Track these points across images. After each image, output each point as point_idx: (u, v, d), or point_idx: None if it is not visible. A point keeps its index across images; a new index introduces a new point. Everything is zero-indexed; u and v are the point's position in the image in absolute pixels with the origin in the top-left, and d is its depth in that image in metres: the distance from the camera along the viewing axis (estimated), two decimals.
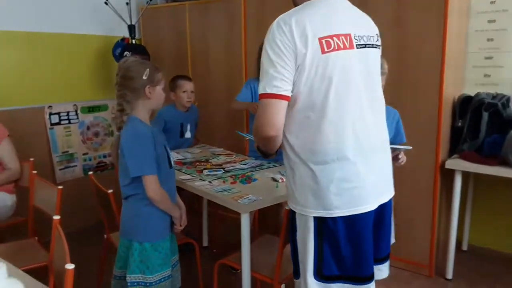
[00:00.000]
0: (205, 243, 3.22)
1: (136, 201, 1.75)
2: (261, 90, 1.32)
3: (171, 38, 3.81)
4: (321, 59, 1.30)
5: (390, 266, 1.66)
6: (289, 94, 1.32)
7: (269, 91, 1.30)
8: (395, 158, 1.91)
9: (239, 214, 1.85)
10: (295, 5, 1.42)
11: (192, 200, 3.23)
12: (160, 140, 1.77)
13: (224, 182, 2.17)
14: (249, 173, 2.30)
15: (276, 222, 2.83)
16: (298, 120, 1.36)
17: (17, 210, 2.62)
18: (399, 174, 2.58)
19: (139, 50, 3.54)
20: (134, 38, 3.61)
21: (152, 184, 1.68)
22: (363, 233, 1.39)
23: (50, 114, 3.32)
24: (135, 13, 3.80)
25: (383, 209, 1.46)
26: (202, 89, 3.63)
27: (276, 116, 1.31)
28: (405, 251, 2.73)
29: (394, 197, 1.56)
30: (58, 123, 3.37)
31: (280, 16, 1.34)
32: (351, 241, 1.38)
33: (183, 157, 2.71)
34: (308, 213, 1.39)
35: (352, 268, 1.40)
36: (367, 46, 1.41)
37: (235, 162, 2.57)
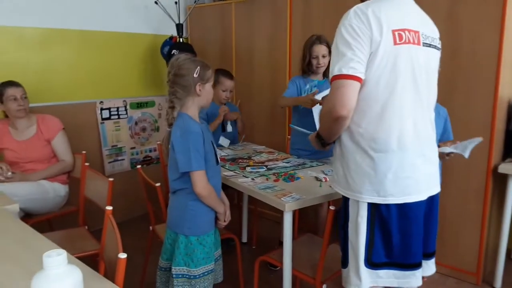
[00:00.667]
0: (244, 239, 3.26)
1: (183, 196, 1.79)
2: (336, 72, 1.37)
3: (217, 36, 3.87)
4: (392, 50, 1.38)
5: (436, 272, 1.66)
6: (363, 76, 1.38)
7: (345, 72, 1.36)
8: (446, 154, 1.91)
9: (278, 212, 1.85)
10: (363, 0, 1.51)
11: (233, 197, 3.28)
12: (208, 136, 1.80)
13: (267, 179, 2.18)
14: (292, 172, 2.30)
15: (315, 221, 2.82)
16: (361, 108, 1.41)
17: (69, 200, 2.76)
18: (449, 177, 2.50)
19: (186, 48, 3.62)
20: (181, 37, 3.69)
21: (199, 180, 1.72)
22: (414, 222, 1.45)
23: (101, 109, 3.47)
24: (183, 12, 3.89)
25: (432, 202, 1.53)
26: (245, 87, 3.66)
27: (350, 97, 1.37)
28: (451, 257, 2.63)
29: (443, 200, 1.59)
30: (108, 118, 3.52)
31: (356, 6, 1.42)
32: (401, 230, 1.44)
33: (226, 154, 2.75)
34: (362, 199, 1.45)
35: (400, 256, 1.47)
36: (431, 46, 1.49)
37: (277, 160, 2.58)
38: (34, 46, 3.07)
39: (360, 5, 1.42)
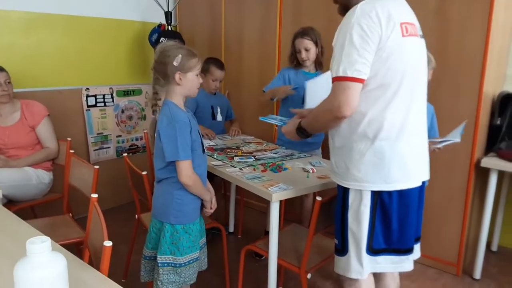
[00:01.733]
0: (231, 229, 3.27)
1: (169, 185, 1.78)
2: (340, 73, 1.40)
3: (206, 25, 3.84)
4: (400, 42, 1.43)
5: (417, 262, 1.70)
6: (366, 77, 1.41)
7: (350, 74, 1.39)
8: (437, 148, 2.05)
9: (265, 202, 1.86)
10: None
11: (220, 186, 3.28)
12: (194, 125, 1.79)
13: (254, 169, 2.18)
14: (279, 162, 2.31)
15: (300, 212, 2.84)
16: (367, 97, 1.45)
17: (53, 187, 2.73)
18: (434, 170, 2.54)
19: (175, 36, 3.58)
20: (170, 25, 3.65)
21: (185, 170, 1.71)
22: (411, 208, 1.53)
23: (87, 96, 3.42)
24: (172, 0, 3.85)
25: (422, 189, 1.59)
26: (234, 77, 3.65)
27: (355, 98, 1.41)
28: (433, 248, 2.69)
29: (427, 192, 1.69)
30: (94, 105, 3.47)
31: (360, 4, 1.42)
32: (400, 216, 1.51)
33: (214, 144, 2.74)
34: (366, 187, 1.49)
35: (397, 241, 1.54)
36: (422, 37, 1.57)
37: (265, 151, 2.58)
38: (20, 30, 3.00)
39: (365, 3, 1.43)
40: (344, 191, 1.56)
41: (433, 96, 2.23)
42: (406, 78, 1.46)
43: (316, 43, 2.58)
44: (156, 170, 1.81)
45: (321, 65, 2.67)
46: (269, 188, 1.86)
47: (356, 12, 1.41)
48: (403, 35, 1.43)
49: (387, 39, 1.40)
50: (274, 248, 1.90)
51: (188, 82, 1.75)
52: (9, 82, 2.57)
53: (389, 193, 1.48)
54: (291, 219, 2.91)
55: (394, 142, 1.46)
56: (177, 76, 1.72)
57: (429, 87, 1.67)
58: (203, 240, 1.96)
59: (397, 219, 1.51)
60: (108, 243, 1.18)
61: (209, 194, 1.87)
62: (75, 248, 2.14)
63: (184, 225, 1.79)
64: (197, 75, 1.78)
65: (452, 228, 2.62)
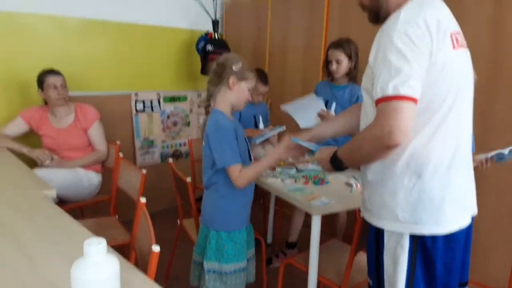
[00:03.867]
0: (269, 240, 3.26)
1: (214, 191, 1.81)
2: (390, 91, 1.15)
3: (251, 34, 3.88)
4: (451, 56, 1.21)
5: None
6: (419, 97, 1.17)
7: (403, 92, 1.14)
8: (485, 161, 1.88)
9: (305, 214, 1.84)
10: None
11: (260, 196, 3.29)
12: (241, 133, 1.82)
13: (296, 181, 2.18)
14: (322, 175, 2.29)
15: (334, 225, 2.80)
16: (429, 129, 1.22)
17: (101, 189, 2.84)
18: (481, 191, 2.43)
19: (221, 44, 3.65)
20: (217, 33, 3.73)
21: (234, 173, 1.71)
22: (457, 250, 1.30)
23: (136, 101, 3.54)
24: (220, 8, 3.92)
25: (470, 227, 1.36)
26: (277, 87, 3.66)
27: (410, 122, 1.15)
28: (481, 273, 2.56)
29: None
30: (142, 110, 3.59)
31: (404, 9, 1.21)
32: (446, 260, 1.27)
33: (256, 154, 2.76)
34: (410, 230, 1.26)
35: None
36: (467, 47, 1.34)
37: (308, 162, 2.57)
38: (75, 36, 3.16)
39: (410, 9, 1.21)
40: (377, 232, 1.34)
41: (486, 110, 2.13)
42: (457, 99, 1.24)
43: (349, 56, 2.51)
44: (204, 176, 1.85)
45: (354, 78, 2.59)
46: (311, 202, 1.85)
47: (400, 18, 1.19)
48: (453, 47, 1.22)
49: (438, 52, 1.18)
50: (314, 264, 1.88)
51: (240, 91, 1.78)
52: (65, 86, 2.70)
53: (434, 239, 1.24)
54: (323, 230, 2.85)
55: (445, 175, 1.24)
56: (231, 79, 1.75)
57: (479, 101, 1.51)
58: (252, 251, 1.96)
59: (442, 264, 1.26)
60: (156, 248, 1.22)
61: (275, 158, 1.76)
62: (120, 251, 2.21)
63: (229, 233, 1.81)
64: (249, 90, 1.80)
65: (502, 251, 2.49)
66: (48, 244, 1.34)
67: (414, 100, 1.15)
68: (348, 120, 1.69)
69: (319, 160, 1.48)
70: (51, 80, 2.64)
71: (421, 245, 1.26)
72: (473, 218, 1.35)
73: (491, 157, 1.89)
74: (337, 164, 1.38)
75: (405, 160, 1.24)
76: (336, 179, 2.24)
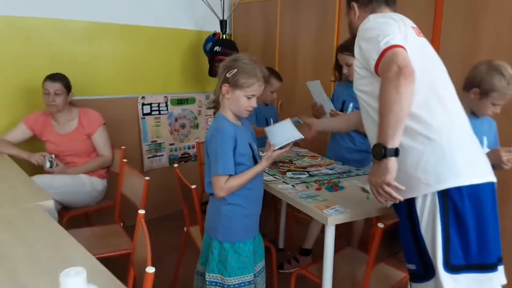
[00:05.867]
0: (281, 245, 3.14)
1: (217, 199, 1.70)
2: (384, 46, 1.35)
3: (261, 34, 3.76)
4: (419, 40, 1.48)
5: None
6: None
7: (394, 43, 1.34)
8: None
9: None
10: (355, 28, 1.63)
11: (271, 199, 3.16)
12: (244, 138, 1.70)
13: (308, 187, 2.05)
14: (335, 180, 2.15)
15: (349, 231, 2.66)
16: (423, 94, 1.39)
17: (107, 195, 2.75)
18: (506, 193, 2.29)
19: (229, 45, 3.54)
20: (225, 33, 3.61)
21: (218, 183, 1.62)
22: (486, 211, 1.37)
23: (143, 104, 3.45)
24: (228, 8, 3.81)
25: (494, 192, 1.44)
26: (288, 88, 3.53)
27: (408, 59, 1.31)
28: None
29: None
30: (149, 114, 3.50)
31: (370, 16, 1.52)
32: (476, 220, 1.35)
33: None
34: (435, 188, 1.37)
35: (478, 254, 1.36)
36: None
37: (320, 166, 2.44)
38: (80, 40, 3.08)
39: (375, 15, 1.53)
40: (409, 206, 1.42)
41: (508, 110, 1.99)
42: (436, 73, 1.46)
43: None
44: (206, 184, 1.74)
45: None
46: (324, 211, 1.72)
47: (369, 18, 1.49)
48: (418, 35, 1.49)
49: (407, 36, 1.40)
50: (329, 276, 1.74)
51: (234, 99, 1.66)
52: (59, 94, 2.55)
53: (460, 191, 1.35)
54: (337, 234, 2.72)
55: (450, 134, 1.40)
56: (224, 88, 1.65)
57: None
58: (261, 264, 1.84)
59: (474, 225, 1.35)
60: (150, 270, 1.10)
61: (260, 166, 1.70)
62: (125, 259, 2.12)
63: (233, 244, 1.70)
64: (249, 97, 1.66)
65: None
66: (33, 260, 1.25)
67: (404, 48, 1.34)
68: (351, 119, 2.19)
69: (374, 174, 1.38)
70: (46, 85, 2.55)
71: (450, 201, 1.35)
72: (493, 185, 1.43)
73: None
74: (381, 147, 1.31)
75: (410, 125, 1.38)
76: (351, 184, 2.10)
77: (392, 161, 1.30)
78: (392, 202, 1.44)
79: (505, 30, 2.25)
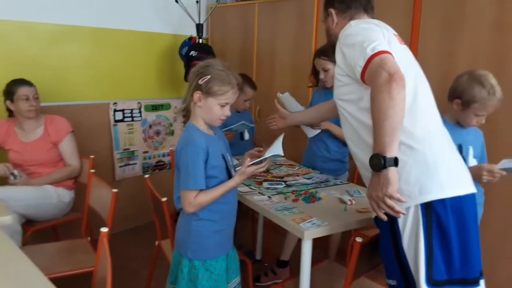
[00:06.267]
0: (258, 256, 3.04)
1: (187, 214, 1.60)
2: (370, 52, 1.30)
3: (238, 38, 3.68)
4: (401, 48, 1.44)
5: None
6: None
7: (381, 49, 1.30)
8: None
9: None
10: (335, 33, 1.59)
11: (248, 207, 3.07)
12: (217, 149, 1.61)
13: (285, 198, 1.97)
14: (313, 190, 2.08)
15: (326, 242, 2.60)
16: (407, 102, 1.29)
17: (75, 206, 2.61)
18: (488, 206, 2.26)
19: (206, 49, 3.44)
20: (201, 38, 3.52)
21: (188, 198, 1.53)
22: (469, 222, 1.34)
23: (115, 110, 3.32)
24: (204, 12, 3.72)
25: (474, 202, 1.40)
26: (265, 93, 3.46)
27: (396, 64, 1.27)
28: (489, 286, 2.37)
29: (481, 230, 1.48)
30: (122, 120, 3.36)
31: (352, 22, 1.48)
32: (459, 233, 1.32)
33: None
34: (419, 200, 1.31)
35: (461, 269, 1.33)
36: None
37: (297, 175, 2.36)
38: (47, 43, 2.94)
39: (357, 21, 1.50)
40: (390, 217, 1.33)
41: (489, 120, 1.97)
42: (418, 82, 1.41)
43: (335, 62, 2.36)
44: (175, 198, 1.64)
45: None
46: (300, 224, 1.64)
47: (351, 24, 1.45)
48: (400, 43, 1.46)
49: (390, 42, 1.38)
50: None
51: (207, 107, 1.57)
52: (37, 97, 2.48)
53: (443, 203, 1.30)
54: (314, 244, 2.65)
55: (433, 142, 1.36)
56: (196, 95, 1.56)
57: None
58: (237, 280, 1.75)
59: (457, 238, 1.31)
60: None
61: (234, 182, 1.62)
62: (90, 277, 1.99)
63: (204, 261, 1.60)
64: (222, 105, 1.58)
65: (509, 269, 2.29)
66: None
67: (391, 54, 1.30)
68: (320, 110, 2.24)
69: (374, 188, 1.29)
70: (23, 91, 2.42)
71: (434, 214, 1.30)
72: (475, 197, 1.39)
73: (503, 169, 1.72)
74: (380, 157, 1.24)
75: (412, 136, 1.34)
76: (329, 194, 2.03)
77: (392, 172, 1.23)
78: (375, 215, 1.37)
79: (483, 36, 2.24)
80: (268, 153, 1.65)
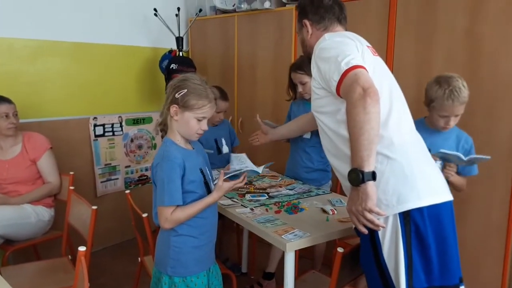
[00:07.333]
0: (244, 269, 3.02)
1: (165, 230, 1.58)
2: (345, 67, 1.31)
3: (218, 51, 3.69)
4: (374, 59, 1.46)
5: None
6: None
7: (354, 63, 1.32)
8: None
9: None
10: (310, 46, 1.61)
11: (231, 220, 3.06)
12: (194, 164, 1.59)
13: (267, 210, 1.97)
14: (295, 201, 2.08)
15: (311, 253, 2.59)
16: (382, 113, 1.32)
17: (55, 224, 2.56)
18: (468, 205, 2.30)
19: (186, 62, 3.44)
20: (181, 50, 3.52)
21: (164, 214, 1.51)
22: (447, 230, 1.36)
23: (95, 125, 3.28)
24: (184, 24, 3.73)
25: (451, 209, 1.43)
26: (247, 105, 3.48)
27: (370, 79, 1.29)
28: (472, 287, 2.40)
29: (462, 233, 1.59)
30: (102, 135, 3.32)
31: (326, 35, 1.49)
32: (437, 241, 1.34)
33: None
34: (397, 210, 1.32)
35: (440, 276, 1.35)
36: None
37: (280, 186, 2.36)
38: (25, 59, 2.89)
39: (330, 34, 1.50)
40: (370, 228, 1.32)
41: (465, 127, 2.01)
42: (393, 92, 1.44)
43: (311, 75, 2.38)
44: (154, 214, 1.62)
45: None
46: (283, 236, 1.64)
47: (325, 37, 1.47)
48: (374, 54, 1.49)
49: (364, 55, 1.41)
50: None
51: (183, 122, 1.56)
52: (16, 115, 2.45)
53: (421, 212, 1.32)
54: (300, 255, 2.64)
55: (409, 153, 1.38)
56: (172, 109, 1.55)
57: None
58: None
59: (435, 246, 1.33)
60: None
61: (212, 198, 1.60)
62: None
63: (184, 278, 1.58)
64: (199, 119, 1.57)
65: (491, 270, 2.33)
66: None
67: (365, 68, 1.32)
68: (300, 123, 2.36)
69: (353, 202, 1.31)
70: (3, 108, 2.38)
71: (412, 222, 1.32)
72: (451, 204, 1.42)
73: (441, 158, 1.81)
74: (355, 174, 1.26)
75: (388, 146, 1.37)
76: (311, 205, 2.04)
77: (371, 186, 1.25)
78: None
79: (456, 45, 2.29)
80: (243, 168, 1.65)
